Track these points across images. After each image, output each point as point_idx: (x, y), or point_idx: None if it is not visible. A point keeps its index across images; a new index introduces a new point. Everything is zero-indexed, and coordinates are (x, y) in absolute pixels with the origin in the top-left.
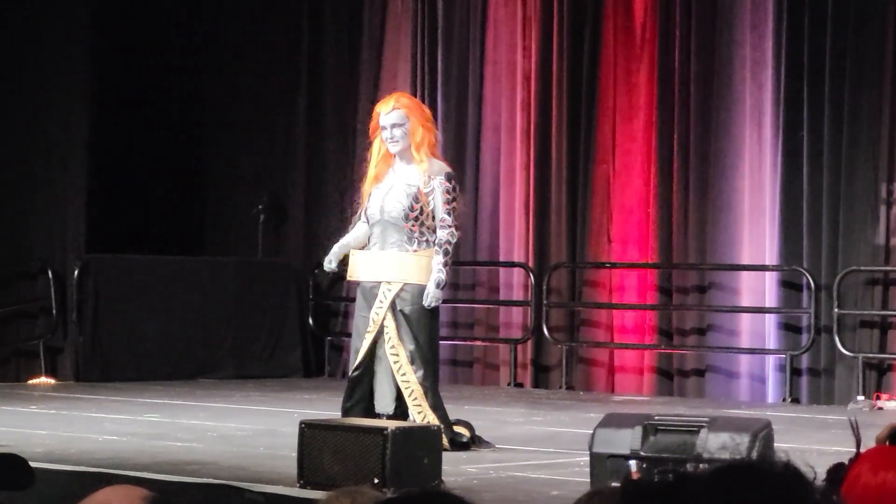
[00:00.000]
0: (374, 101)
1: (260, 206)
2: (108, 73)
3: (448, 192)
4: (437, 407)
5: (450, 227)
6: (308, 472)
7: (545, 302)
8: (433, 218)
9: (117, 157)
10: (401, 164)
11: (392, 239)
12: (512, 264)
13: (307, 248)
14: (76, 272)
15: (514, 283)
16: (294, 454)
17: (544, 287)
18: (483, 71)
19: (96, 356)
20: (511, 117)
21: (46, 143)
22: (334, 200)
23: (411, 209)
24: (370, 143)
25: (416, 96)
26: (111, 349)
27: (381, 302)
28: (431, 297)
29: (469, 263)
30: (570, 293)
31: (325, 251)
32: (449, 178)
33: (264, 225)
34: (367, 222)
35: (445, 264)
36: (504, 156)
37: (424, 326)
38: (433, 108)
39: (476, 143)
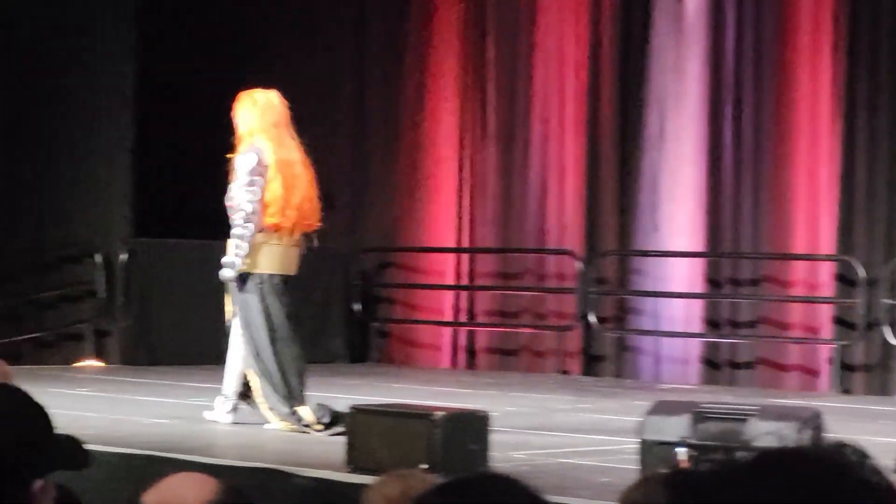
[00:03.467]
0: (421, 88)
1: None
2: (155, 59)
3: None
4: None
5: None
6: (356, 456)
7: (592, 290)
8: None
9: (164, 141)
10: None
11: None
12: (560, 252)
13: (353, 234)
14: (124, 256)
15: (563, 271)
16: (342, 439)
17: (592, 275)
18: (532, 60)
19: (143, 340)
20: (561, 106)
21: (93, 127)
22: (381, 186)
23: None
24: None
25: (464, 86)
26: (158, 333)
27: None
28: None
29: (517, 251)
30: (618, 281)
31: (373, 237)
32: None
33: None
34: None
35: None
36: (553, 144)
37: None
38: (482, 95)
39: (525, 133)
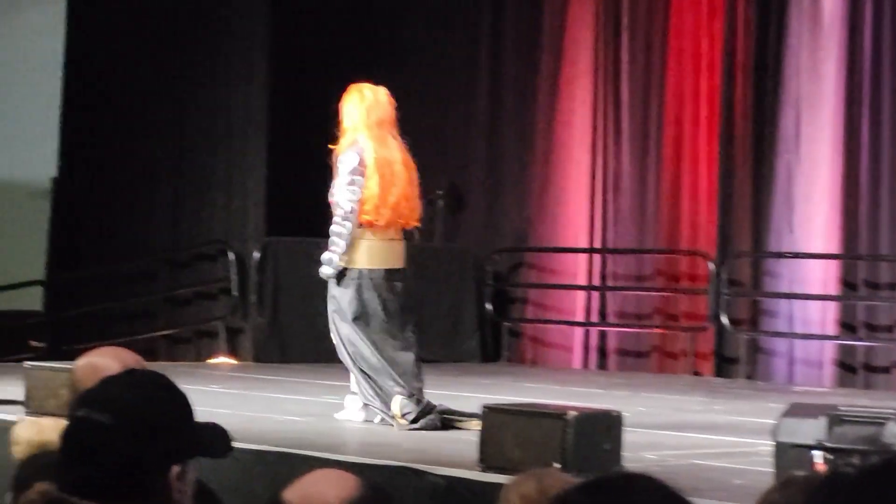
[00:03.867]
0: (554, 89)
1: (439, 193)
2: (287, 58)
3: None
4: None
5: None
6: (489, 455)
7: (725, 291)
8: None
9: (297, 140)
10: None
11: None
12: (693, 253)
13: (486, 233)
14: (257, 254)
15: (695, 273)
16: (474, 437)
17: (725, 276)
18: (666, 59)
19: (275, 337)
20: (695, 107)
21: (227, 126)
22: (514, 187)
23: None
24: (539, 132)
25: (597, 85)
26: (290, 330)
27: None
28: None
29: (649, 251)
30: (751, 282)
31: (506, 238)
32: None
33: (443, 211)
34: None
35: None
36: (687, 145)
37: None
38: (616, 95)
39: (658, 132)
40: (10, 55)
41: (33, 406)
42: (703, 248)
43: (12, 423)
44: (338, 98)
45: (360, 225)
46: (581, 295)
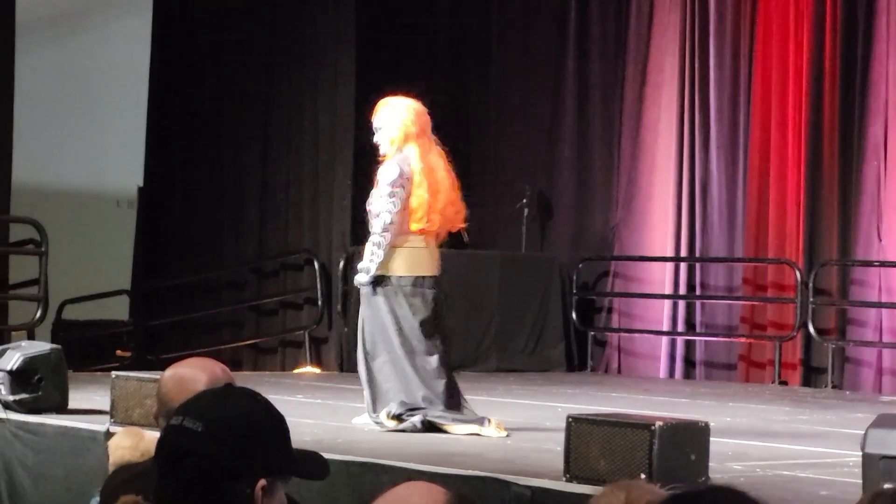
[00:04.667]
0: (640, 96)
1: (524, 201)
2: (374, 65)
3: None
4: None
5: None
6: (574, 466)
7: (812, 300)
8: None
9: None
10: None
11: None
12: (779, 262)
13: (572, 242)
14: (341, 264)
15: (782, 281)
16: (558, 448)
17: (812, 285)
18: (752, 67)
19: None
20: (782, 114)
21: (313, 135)
22: (599, 195)
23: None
24: (626, 141)
25: (683, 92)
26: None
27: None
28: None
29: (736, 260)
30: (839, 291)
31: (592, 247)
32: None
33: (528, 219)
34: None
35: None
36: (774, 152)
37: None
38: (703, 102)
39: (745, 140)
40: (99, 66)
41: (119, 416)
42: (790, 256)
43: (99, 432)
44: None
45: (409, 233)
46: (667, 304)
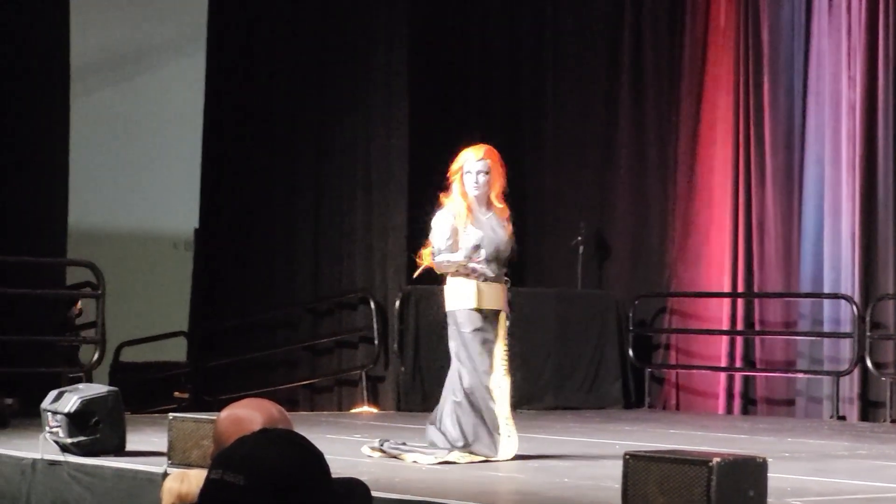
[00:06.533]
0: (695, 132)
1: (579, 238)
2: (427, 103)
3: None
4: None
5: None
6: (633, 502)
7: (869, 334)
8: None
9: (438, 187)
10: (479, 207)
11: (499, 273)
12: (835, 296)
13: (629, 279)
14: (397, 302)
15: (839, 316)
16: (617, 485)
17: (869, 319)
18: (806, 102)
19: (417, 385)
20: (836, 148)
21: (366, 175)
22: (655, 231)
23: (512, 250)
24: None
25: (737, 127)
26: (432, 378)
27: (500, 330)
28: None
29: (792, 295)
30: None
31: (648, 283)
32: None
33: (584, 256)
34: (470, 254)
35: None
36: (829, 187)
37: None
38: (758, 138)
39: (800, 174)
40: (153, 108)
41: (176, 457)
42: (846, 291)
43: (157, 474)
44: (476, 140)
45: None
46: (724, 340)
